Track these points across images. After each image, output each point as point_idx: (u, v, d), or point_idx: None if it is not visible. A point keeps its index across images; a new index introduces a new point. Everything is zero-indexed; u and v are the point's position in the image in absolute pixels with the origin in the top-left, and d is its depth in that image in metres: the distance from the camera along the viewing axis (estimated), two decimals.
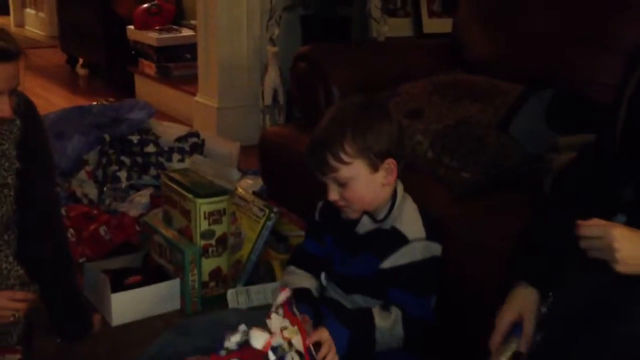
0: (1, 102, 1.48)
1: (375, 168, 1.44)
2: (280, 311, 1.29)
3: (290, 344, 1.27)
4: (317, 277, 1.59)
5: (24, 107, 1.61)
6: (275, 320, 1.28)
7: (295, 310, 1.32)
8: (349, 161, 1.42)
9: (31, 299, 1.61)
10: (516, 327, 1.28)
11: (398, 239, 1.46)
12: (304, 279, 1.58)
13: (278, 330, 1.27)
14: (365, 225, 1.50)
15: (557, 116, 1.86)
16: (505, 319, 1.28)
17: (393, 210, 1.49)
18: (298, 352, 1.27)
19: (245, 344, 1.27)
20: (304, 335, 1.29)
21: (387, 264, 1.45)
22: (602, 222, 1.14)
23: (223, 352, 1.27)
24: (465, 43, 2.37)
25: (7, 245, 1.62)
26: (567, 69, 1.99)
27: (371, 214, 1.49)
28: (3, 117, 1.50)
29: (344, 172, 1.43)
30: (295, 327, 1.29)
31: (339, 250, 1.55)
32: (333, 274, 1.56)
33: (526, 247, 1.33)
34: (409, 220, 1.49)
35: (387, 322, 1.41)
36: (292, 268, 1.62)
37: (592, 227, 1.14)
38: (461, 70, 2.25)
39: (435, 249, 1.49)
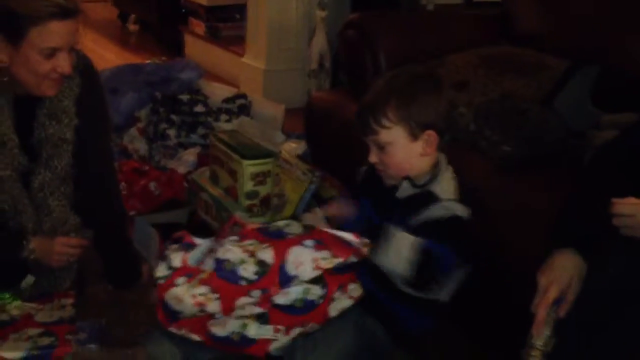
0: (61, 58, 1.50)
1: (414, 137, 1.49)
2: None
3: (252, 254, 1.33)
4: None
5: (83, 65, 1.64)
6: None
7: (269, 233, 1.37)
8: (389, 126, 1.47)
9: (85, 245, 1.69)
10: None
11: (430, 198, 1.49)
12: None
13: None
14: (405, 189, 1.53)
15: (602, 93, 1.85)
16: (557, 285, 1.25)
17: (434, 180, 1.52)
18: (260, 261, 1.32)
19: None
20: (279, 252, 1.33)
21: (416, 220, 1.48)
22: (637, 200, 1.16)
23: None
24: (514, 14, 2.36)
25: (64, 196, 1.69)
26: (617, 47, 1.97)
27: (411, 180, 1.53)
28: (63, 74, 1.53)
29: (383, 135, 1.48)
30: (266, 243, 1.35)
31: (376, 214, 1.59)
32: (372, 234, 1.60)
33: (573, 216, 1.32)
34: (444, 184, 1.52)
35: (406, 237, 1.43)
36: None
37: (626, 205, 1.16)
38: (508, 42, 2.25)
39: (463, 210, 1.48)
